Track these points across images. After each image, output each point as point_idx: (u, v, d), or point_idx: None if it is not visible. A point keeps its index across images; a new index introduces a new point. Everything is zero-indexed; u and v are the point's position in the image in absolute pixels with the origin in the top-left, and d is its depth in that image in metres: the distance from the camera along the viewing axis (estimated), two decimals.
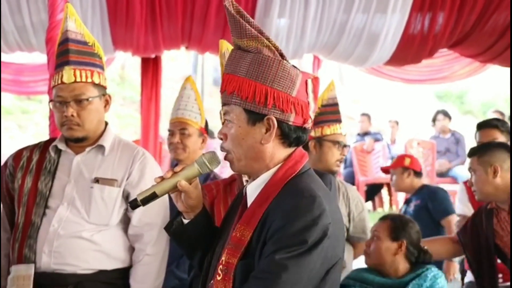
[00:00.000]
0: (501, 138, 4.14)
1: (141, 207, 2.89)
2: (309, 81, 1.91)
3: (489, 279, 3.50)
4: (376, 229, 3.43)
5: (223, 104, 1.94)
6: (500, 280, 4.07)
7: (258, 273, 1.77)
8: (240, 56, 1.90)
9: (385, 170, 5.85)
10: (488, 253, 3.47)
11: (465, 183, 4.33)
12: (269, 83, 1.86)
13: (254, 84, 1.86)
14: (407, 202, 5.49)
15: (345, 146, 3.90)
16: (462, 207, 4.26)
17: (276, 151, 1.90)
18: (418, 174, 5.51)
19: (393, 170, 5.59)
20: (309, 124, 1.93)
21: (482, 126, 4.26)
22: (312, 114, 1.93)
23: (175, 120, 3.93)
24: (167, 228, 2.09)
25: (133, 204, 1.99)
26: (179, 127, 3.90)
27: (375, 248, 3.39)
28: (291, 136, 1.90)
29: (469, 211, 4.16)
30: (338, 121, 3.92)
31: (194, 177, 1.98)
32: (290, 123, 1.89)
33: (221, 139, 1.95)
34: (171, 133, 3.92)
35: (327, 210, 1.81)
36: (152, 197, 1.97)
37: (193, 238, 2.05)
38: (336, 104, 3.93)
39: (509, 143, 4.03)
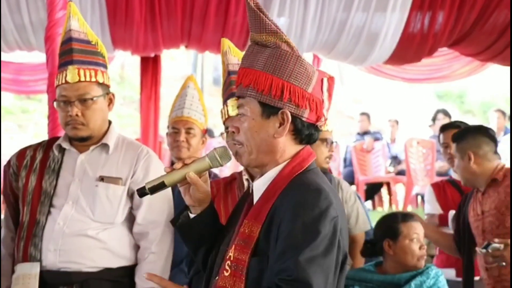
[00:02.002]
0: None
1: (145, 205, 2.92)
2: (325, 80, 1.93)
3: (467, 262, 3.61)
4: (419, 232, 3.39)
5: (238, 97, 1.94)
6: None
7: (284, 275, 1.75)
8: (257, 51, 1.92)
9: None
10: (466, 233, 3.60)
11: (432, 185, 4.54)
12: (286, 78, 1.88)
13: (271, 78, 1.87)
14: None
15: (332, 142, 3.87)
16: (429, 207, 4.42)
17: (287, 147, 1.91)
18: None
19: None
20: (322, 122, 1.94)
21: (445, 128, 4.38)
22: (326, 113, 1.94)
23: (180, 118, 3.85)
24: (174, 221, 2.08)
25: (141, 192, 1.98)
26: (186, 125, 3.83)
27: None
28: (303, 132, 1.91)
29: (436, 210, 4.33)
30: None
31: (204, 170, 1.97)
32: (304, 119, 1.90)
33: (233, 132, 1.95)
34: (176, 131, 3.84)
35: (334, 204, 1.83)
36: (161, 186, 1.96)
37: (199, 233, 2.04)
38: None
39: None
